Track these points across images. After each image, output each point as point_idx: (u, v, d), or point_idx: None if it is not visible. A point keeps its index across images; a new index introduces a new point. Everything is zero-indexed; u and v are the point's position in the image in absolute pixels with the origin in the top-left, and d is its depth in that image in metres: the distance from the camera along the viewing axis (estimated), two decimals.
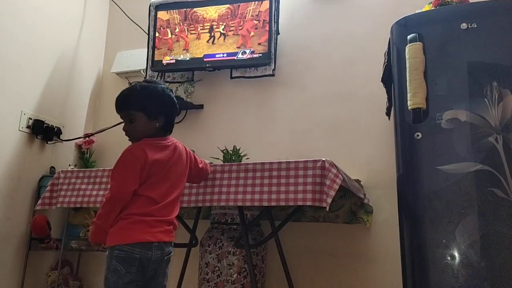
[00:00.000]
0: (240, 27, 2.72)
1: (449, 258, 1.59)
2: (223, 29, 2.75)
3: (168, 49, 2.83)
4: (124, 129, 1.57)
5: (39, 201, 2.17)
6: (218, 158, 2.31)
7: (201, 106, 2.85)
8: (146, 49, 2.91)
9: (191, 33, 2.81)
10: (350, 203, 2.33)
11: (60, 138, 2.79)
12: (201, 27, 2.80)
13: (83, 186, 2.09)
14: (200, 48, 2.78)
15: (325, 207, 1.66)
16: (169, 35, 2.85)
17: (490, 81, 1.63)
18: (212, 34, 2.77)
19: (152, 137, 1.56)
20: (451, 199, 1.62)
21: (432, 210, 1.66)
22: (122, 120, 1.57)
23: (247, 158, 2.34)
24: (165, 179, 1.53)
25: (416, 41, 1.78)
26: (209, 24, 2.78)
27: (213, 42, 2.75)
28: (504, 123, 1.59)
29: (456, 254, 1.58)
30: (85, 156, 2.86)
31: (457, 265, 1.57)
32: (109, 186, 1.51)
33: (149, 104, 1.53)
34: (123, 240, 1.45)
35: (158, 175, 1.51)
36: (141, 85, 1.56)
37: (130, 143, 1.58)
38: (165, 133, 1.62)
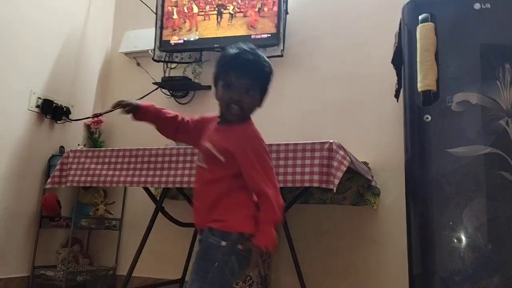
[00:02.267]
0: (249, 7, 2.68)
1: (455, 240, 1.59)
2: (232, 10, 2.72)
3: (176, 29, 2.81)
4: (237, 98, 1.25)
5: (49, 180, 2.20)
6: None
7: (209, 87, 2.83)
8: (154, 29, 2.89)
9: (199, 14, 2.78)
10: (357, 185, 2.33)
11: (69, 118, 2.81)
12: (210, 7, 2.76)
13: (92, 166, 2.11)
14: (208, 29, 2.75)
15: (332, 189, 1.66)
16: (177, 15, 2.82)
17: (503, 63, 1.60)
18: (221, 14, 2.74)
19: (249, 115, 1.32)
20: (460, 182, 1.61)
21: (440, 193, 1.65)
22: (236, 86, 1.25)
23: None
24: None
25: (428, 21, 1.74)
26: (217, 4, 2.75)
27: (221, 23, 2.72)
28: None
29: (463, 237, 1.58)
30: (94, 136, 2.88)
31: (463, 248, 1.57)
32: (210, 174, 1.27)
33: (266, 80, 1.31)
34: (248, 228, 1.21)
35: None
36: (268, 60, 1.31)
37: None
38: None
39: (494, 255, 1.52)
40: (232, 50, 1.28)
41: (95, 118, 2.89)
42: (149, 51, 2.91)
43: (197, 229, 1.29)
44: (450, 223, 1.61)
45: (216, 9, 2.75)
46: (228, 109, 1.25)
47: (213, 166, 1.25)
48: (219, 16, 2.74)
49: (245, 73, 1.25)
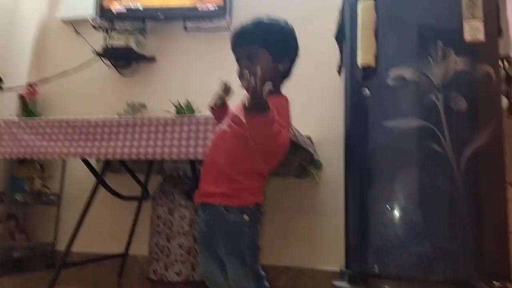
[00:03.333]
0: None
1: (389, 210, 1.68)
2: None
3: None
4: (243, 69, 1.17)
5: None
6: (170, 111, 2.27)
7: (153, 58, 2.76)
8: None
9: None
10: (300, 159, 2.38)
11: (1, 87, 2.63)
12: None
13: (26, 137, 2.00)
14: (153, 1, 2.66)
15: None
16: None
17: (435, 40, 1.68)
18: None
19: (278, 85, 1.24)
20: (393, 154, 1.70)
21: (375, 164, 1.74)
22: (237, 59, 1.21)
23: (200, 113, 2.32)
24: None
25: None
26: None
27: None
28: (446, 81, 1.66)
29: (395, 206, 1.67)
30: (28, 107, 2.72)
31: (396, 217, 1.67)
32: None
33: (275, 41, 1.21)
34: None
35: None
36: (267, 19, 1.23)
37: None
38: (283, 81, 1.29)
39: (424, 222, 1.63)
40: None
41: (30, 89, 2.72)
42: (89, 19, 2.77)
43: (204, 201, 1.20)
44: (384, 194, 1.70)
45: None
46: (245, 90, 1.08)
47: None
48: None
49: (242, 40, 1.20)
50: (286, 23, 1.25)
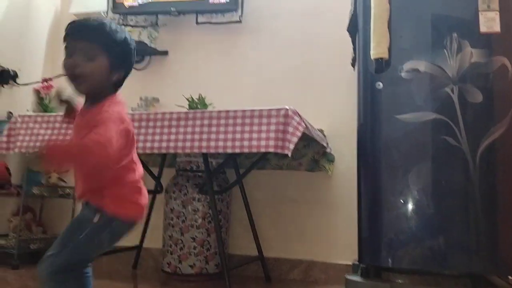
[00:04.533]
0: None
1: (402, 203, 1.67)
2: None
3: None
4: (71, 64, 1.11)
5: None
6: (183, 106, 2.28)
7: (165, 53, 2.77)
8: None
9: None
10: (313, 152, 2.39)
11: (16, 82, 2.67)
12: None
13: (42, 131, 2.04)
14: None
15: (288, 154, 1.70)
16: None
17: (451, 33, 1.66)
18: None
19: (108, 92, 1.18)
20: (407, 147, 1.68)
21: (389, 157, 1.72)
22: (71, 53, 1.13)
23: (213, 107, 2.33)
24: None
25: None
26: None
27: None
28: (461, 74, 1.64)
29: (409, 199, 1.66)
30: (43, 101, 2.76)
31: (409, 210, 1.66)
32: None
33: (117, 49, 1.16)
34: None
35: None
36: (111, 22, 1.18)
37: None
38: (116, 90, 1.23)
39: (438, 216, 1.62)
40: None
41: (45, 83, 2.76)
42: (102, 13, 2.79)
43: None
44: (398, 186, 1.69)
45: None
46: (70, 81, 1.11)
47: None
48: None
49: (85, 34, 1.12)
50: (130, 36, 1.21)
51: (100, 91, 1.15)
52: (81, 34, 1.13)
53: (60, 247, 1.11)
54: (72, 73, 1.10)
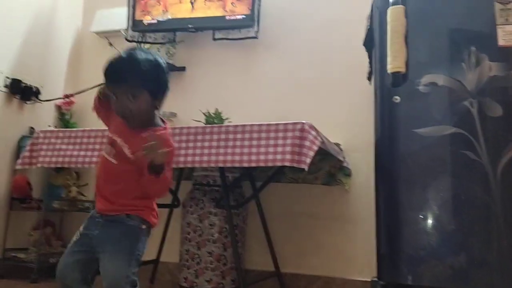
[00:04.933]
0: None
1: (421, 219, 1.64)
2: None
3: (148, 10, 2.76)
4: (119, 107, 1.22)
5: (19, 161, 2.16)
6: (200, 121, 2.31)
7: (183, 68, 2.81)
8: (126, 8, 2.83)
9: None
10: (329, 166, 2.37)
11: (39, 98, 2.74)
12: None
13: (63, 146, 2.08)
14: (182, 13, 2.72)
15: (304, 169, 1.69)
16: None
17: (469, 46, 1.65)
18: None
19: (155, 114, 1.29)
20: (426, 161, 1.66)
21: (407, 172, 1.70)
22: (115, 95, 1.23)
23: (229, 121, 2.34)
24: None
25: (399, 4, 1.77)
26: None
27: (194, 6, 2.70)
28: (480, 88, 1.62)
29: (428, 215, 1.64)
30: (65, 117, 2.83)
31: (428, 226, 1.63)
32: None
33: (154, 80, 1.25)
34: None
35: None
36: (141, 53, 1.26)
37: None
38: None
39: (459, 232, 1.58)
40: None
41: (66, 99, 2.83)
42: (122, 31, 2.86)
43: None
44: (417, 201, 1.67)
45: None
46: (124, 120, 1.25)
47: (123, 162, 1.27)
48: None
49: (116, 79, 1.22)
50: (159, 57, 1.28)
51: (149, 119, 1.28)
52: (118, 77, 1.22)
53: (126, 263, 1.21)
54: (123, 115, 1.23)
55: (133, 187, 1.25)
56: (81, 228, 1.34)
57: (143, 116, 1.24)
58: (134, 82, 1.20)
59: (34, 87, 2.70)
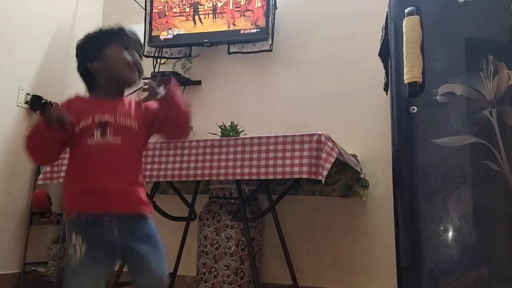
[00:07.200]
0: (238, 2, 2.69)
1: (442, 231, 1.61)
2: (221, 6, 2.73)
3: (164, 25, 2.82)
4: (138, 60, 1.34)
5: (41, 176, 2.19)
6: (216, 134, 2.32)
7: (198, 82, 2.84)
8: (143, 24, 2.88)
9: (181, 14, 2.79)
10: (346, 178, 2.35)
11: None
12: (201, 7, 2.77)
13: None
14: (197, 28, 2.77)
15: (321, 180, 1.68)
16: (166, 12, 2.83)
17: (486, 55, 1.63)
18: (216, 14, 2.74)
19: None
20: (445, 172, 1.64)
21: (426, 183, 1.68)
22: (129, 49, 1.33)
23: (245, 134, 2.35)
24: None
25: (414, 14, 1.77)
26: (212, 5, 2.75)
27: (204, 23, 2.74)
28: (499, 97, 1.60)
29: (449, 227, 1.61)
30: None
31: (450, 238, 1.60)
32: None
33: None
34: None
35: None
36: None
37: None
38: None
39: (481, 244, 1.55)
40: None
41: None
42: None
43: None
44: (437, 213, 1.64)
45: (211, 10, 2.76)
46: (134, 71, 1.31)
47: (128, 138, 1.24)
48: (214, 15, 2.75)
49: (137, 42, 1.38)
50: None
51: None
52: (137, 42, 1.37)
53: (162, 266, 1.22)
54: (137, 68, 1.32)
55: (138, 165, 1.30)
56: (80, 240, 1.17)
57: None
58: (138, 48, 1.37)
59: (54, 103, 2.76)
